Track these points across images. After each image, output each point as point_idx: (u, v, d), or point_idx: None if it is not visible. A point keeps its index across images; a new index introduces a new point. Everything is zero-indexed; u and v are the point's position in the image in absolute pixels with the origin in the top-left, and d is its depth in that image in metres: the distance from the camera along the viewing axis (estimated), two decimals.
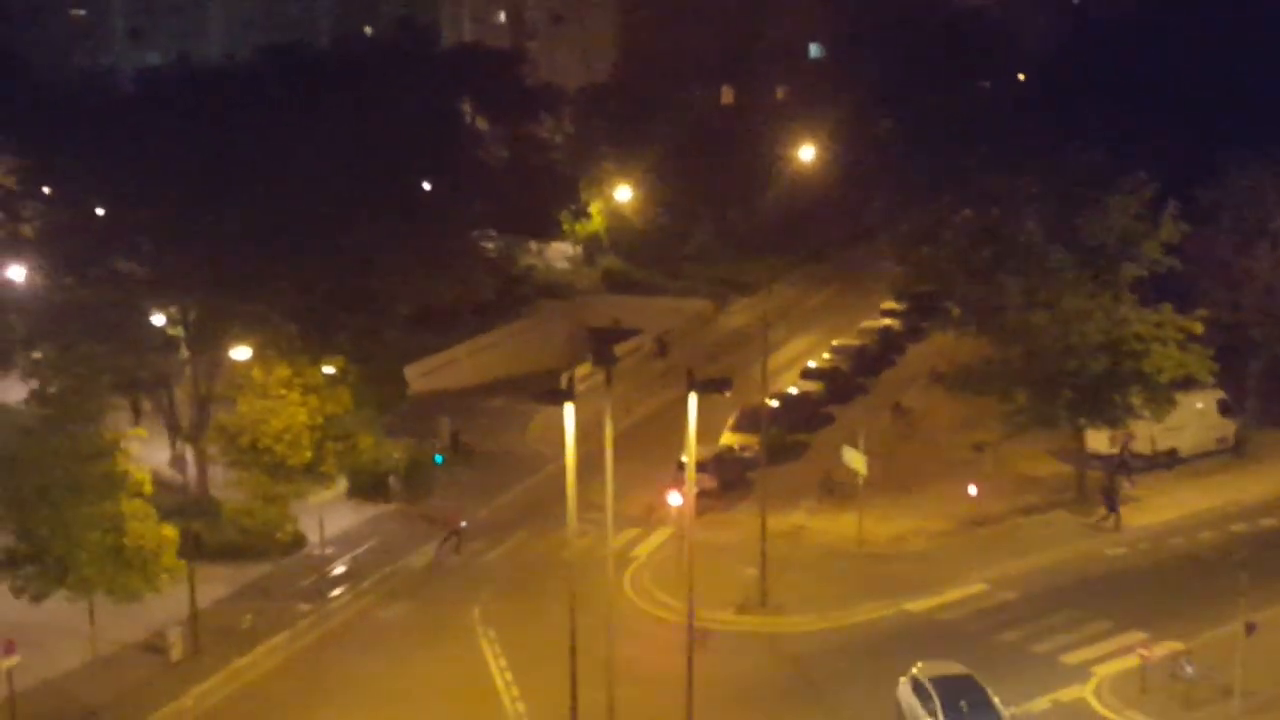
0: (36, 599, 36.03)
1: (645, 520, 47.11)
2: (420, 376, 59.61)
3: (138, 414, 52.97)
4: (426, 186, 71.88)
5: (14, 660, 32.79)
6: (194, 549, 38.51)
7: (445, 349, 65.41)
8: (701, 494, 44.06)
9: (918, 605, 40.99)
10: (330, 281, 50.88)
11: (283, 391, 45.58)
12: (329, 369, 47.52)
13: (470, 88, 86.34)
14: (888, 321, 73.38)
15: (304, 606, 41.28)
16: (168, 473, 46.09)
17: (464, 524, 46.33)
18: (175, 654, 37.47)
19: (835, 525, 46.88)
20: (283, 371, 45.93)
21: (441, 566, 45.04)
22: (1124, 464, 49.90)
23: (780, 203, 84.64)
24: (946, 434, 55.87)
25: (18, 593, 36.00)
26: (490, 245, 76.46)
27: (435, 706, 34.82)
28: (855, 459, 45.58)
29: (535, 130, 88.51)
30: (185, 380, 49.60)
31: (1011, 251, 50.09)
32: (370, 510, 49.22)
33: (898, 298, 74.00)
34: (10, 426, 41.07)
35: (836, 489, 48.66)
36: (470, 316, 69.14)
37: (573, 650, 26.98)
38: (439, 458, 51.84)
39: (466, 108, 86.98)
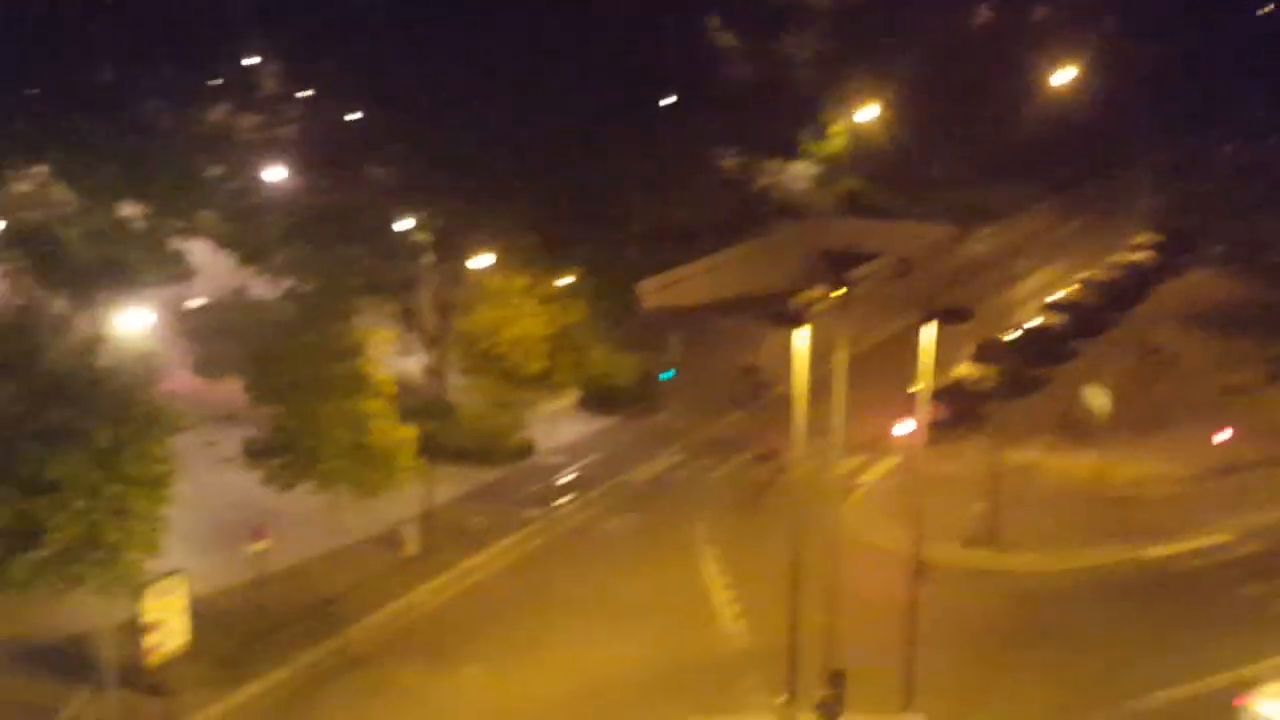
0: (284, 488, 37.73)
1: (872, 448, 46.48)
2: (653, 292, 60.04)
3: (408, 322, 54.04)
4: (668, 102, 71.90)
5: (264, 545, 34.58)
6: (430, 450, 39.71)
7: (679, 266, 65.60)
8: (932, 425, 43.20)
9: (1155, 552, 39.39)
10: (572, 196, 51.53)
11: (520, 301, 46.47)
12: (566, 281, 48.22)
13: (718, 2, 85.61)
14: (1140, 256, 70.28)
15: (532, 512, 42.28)
16: (409, 376, 47.62)
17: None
18: (409, 549, 38.89)
19: (1072, 464, 45.33)
20: (521, 281, 46.79)
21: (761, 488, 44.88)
22: None
23: (1031, 128, 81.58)
24: (1198, 376, 53.29)
25: (268, 482, 37.76)
26: (729, 164, 76.07)
27: (655, 618, 35.25)
28: (1097, 397, 43.92)
29: (780, 48, 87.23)
30: (429, 286, 51.00)
31: (1273, 189, 47.39)
32: (599, 422, 49.93)
33: (1153, 231, 70.86)
34: (266, 323, 43.07)
35: (1076, 426, 47.00)
36: (706, 235, 69.10)
37: (793, 573, 26.88)
38: (668, 373, 52.12)
39: (714, 22, 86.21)
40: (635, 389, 51.10)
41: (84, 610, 30.18)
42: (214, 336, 51.17)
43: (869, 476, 45.20)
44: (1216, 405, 49.15)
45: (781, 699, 27.21)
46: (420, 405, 43.10)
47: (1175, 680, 31.30)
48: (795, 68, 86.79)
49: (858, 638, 28.71)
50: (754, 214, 74.95)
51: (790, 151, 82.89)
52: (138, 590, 30.06)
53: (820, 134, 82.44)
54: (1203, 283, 58.55)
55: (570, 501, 43.59)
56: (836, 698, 26.36)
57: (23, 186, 58.19)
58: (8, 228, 56.25)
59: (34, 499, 28.11)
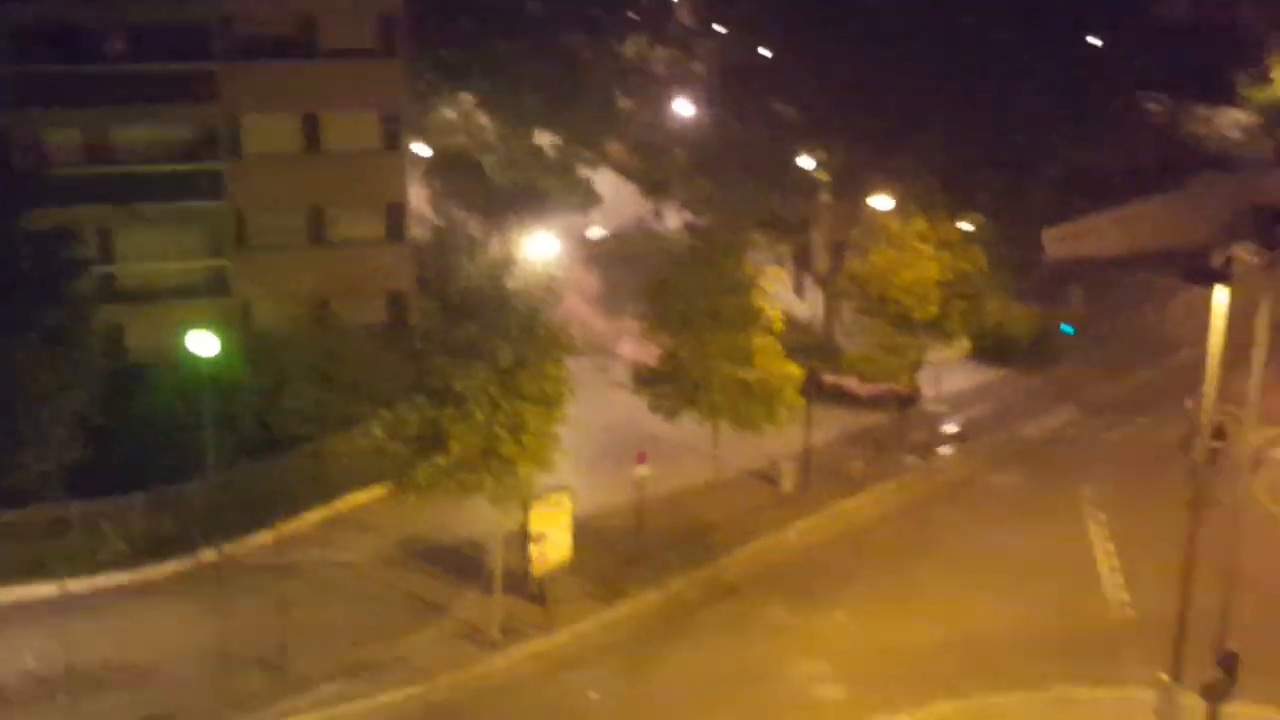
0: (669, 416, 38.68)
1: None
2: (1058, 242, 57.71)
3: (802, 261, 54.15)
4: (1091, 42, 68.36)
5: (647, 470, 35.62)
6: (814, 389, 39.68)
7: (1087, 215, 62.60)
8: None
9: None
10: (980, 137, 49.99)
11: (917, 244, 45.49)
12: (966, 226, 46.90)
13: None
14: None
15: (913, 459, 41.68)
16: (799, 315, 47.77)
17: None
18: (786, 486, 39.17)
19: None
20: (919, 224, 45.78)
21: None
22: None
23: None
24: None
25: (654, 410, 38.82)
26: (1155, 108, 71.73)
27: (1034, 579, 34.10)
28: None
29: None
30: (824, 225, 50.86)
31: None
32: (990, 373, 48.56)
33: None
34: (665, 254, 44.10)
35: None
36: (1123, 183, 65.55)
37: (1189, 546, 25.33)
38: (1068, 328, 50.04)
39: None
40: (1031, 342, 49.34)
41: (478, 517, 32.01)
42: (614, 265, 52.93)
43: None
44: None
45: (1165, 677, 25.78)
46: (808, 344, 43.12)
47: None
48: (1236, 5, 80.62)
49: (1256, 620, 26.82)
50: (1179, 163, 70.41)
51: (1225, 97, 77.30)
52: (527, 502, 31.60)
53: (1261, 79, 76.38)
54: None
55: (953, 452, 42.69)
56: (1226, 681, 24.72)
57: (449, 113, 61.63)
58: (435, 153, 59.78)
59: (441, 409, 29.89)
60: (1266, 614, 28.18)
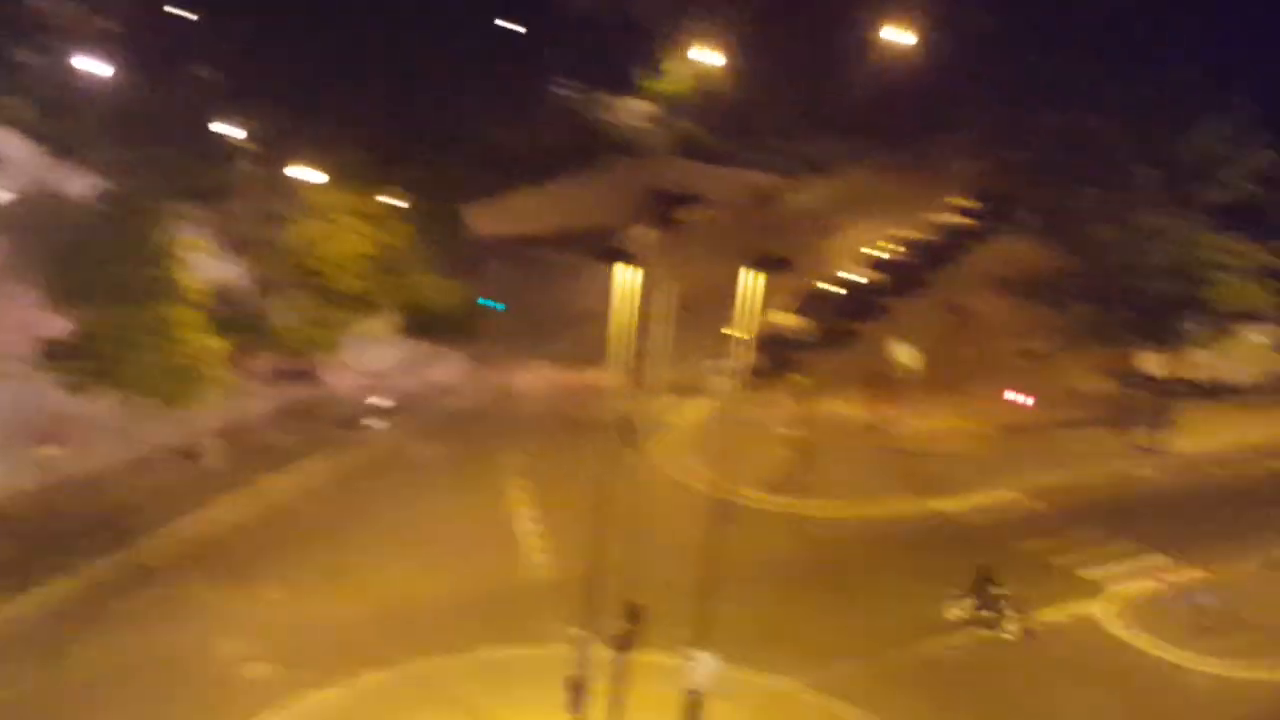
0: (79, 393, 36.53)
1: (687, 390, 47.13)
2: (481, 219, 59.48)
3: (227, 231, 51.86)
4: (508, 28, 71.01)
5: (54, 449, 33.50)
6: (240, 363, 38.87)
7: (509, 194, 65.14)
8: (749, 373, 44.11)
9: (946, 505, 41.01)
10: (405, 114, 50.64)
11: (343, 217, 45.60)
12: (391, 200, 47.47)
13: None
14: (956, 218, 72.33)
15: (340, 434, 41.81)
16: (225, 287, 46.45)
17: None
18: (210, 462, 38.16)
19: (877, 417, 46.73)
20: (345, 197, 45.91)
21: None
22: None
23: (863, 84, 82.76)
24: (999, 339, 55.29)
25: (66, 387, 36.57)
26: (566, 94, 75.61)
27: (458, 547, 35.30)
28: (905, 353, 45.32)
29: None
30: (249, 196, 49.66)
31: (1093, 161, 49.09)
32: (419, 347, 49.49)
33: (969, 195, 72.91)
34: (72, 220, 41.40)
35: (882, 380, 48.40)
36: (538, 165, 68.68)
37: (598, 508, 27.15)
38: (492, 303, 51.84)
39: None
40: (458, 317, 50.67)
41: None
42: (17, 232, 49.00)
43: (682, 418, 45.83)
44: (1014, 368, 51.17)
45: (576, 631, 27.55)
46: (233, 316, 42.11)
47: (954, 627, 32.70)
48: (637, 4, 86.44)
49: (658, 574, 29.18)
50: (588, 148, 74.71)
51: (628, 88, 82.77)
52: None
53: (658, 73, 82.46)
54: (1012, 248, 60.36)
55: (382, 426, 43.23)
56: (631, 632, 26.78)
57: None
58: None
59: None
60: (666, 567, 30.62)
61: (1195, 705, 30.71)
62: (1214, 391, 51.67)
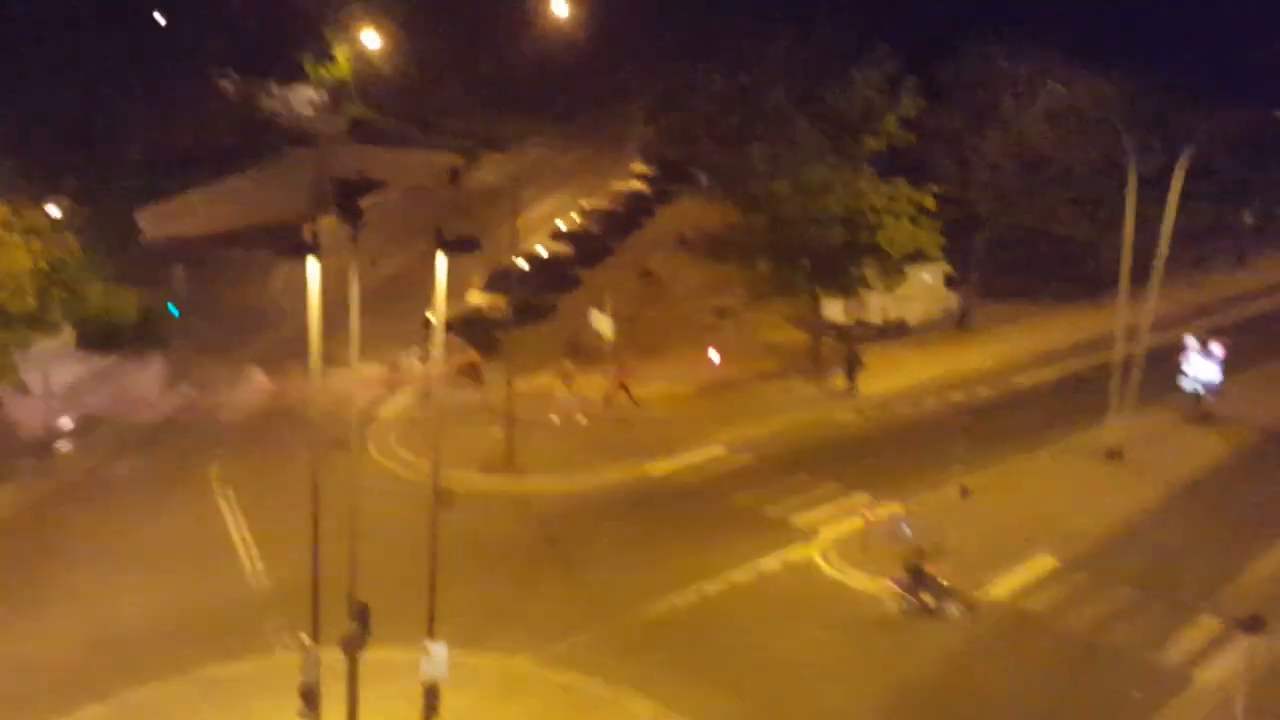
0: None
1: (390, 379, 46.73)
2: (154, 222, 57.19)
3: None
4: (159, 20, 68.09)
5: None
6: None
7: (182, 194, 62.78)
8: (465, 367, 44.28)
9: (658, 468, 42.01)
10: (52, 118, 48.00)
11: (2, 234, 42.95)
12: (54, 210, 45.03)
13: None
14: (637, 185, 73.99)
15: (28, 460, 39.57)
16: None
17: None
18: None
19: (580, 388, 47.39)
20: (2, 211, 43.25)
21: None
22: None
23: (533, 60, 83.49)
24: (691, 299, 56.97)
25: None
26: (228, 85, 73.24)
27: (170, 566, 33.91)
28: (602, 322, 46.10)
29: None
30: None
31: (758, 119, 51.02)
32: (100, 361, 47.22)
33: (647, 162, 74.66)
34: None
35: (583, 351, 49.14)
36: (210, 161, 66.38)
37: (313, 509, 26.65)
38: (173, 308, 49.96)
39: None
40: (138, 325, 48.58)
41: None
42: None
43: (389, 409, 45.38)
44: (708, 327, 52.84)
45: (304, 637, 27.02)
46: None
47: (678, 585, 33.64)
48: None
49: (382, 570, 28.82)
50: (261, 140, 72.68)
51: (294, 74, 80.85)
52: None
53: (324, 57, 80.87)
54: (693, 210, 62.27)
55: (72, 446, 41.12)
56: (360, 631, 26.46)
57: None
58: None
59: None
60: (389, 562, 30.37)
61: (903, 632, 32.57)
62: (892, 332, 54.71)
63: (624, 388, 46.40)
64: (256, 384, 47.33)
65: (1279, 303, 71.41)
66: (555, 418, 44.83)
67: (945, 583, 32.92)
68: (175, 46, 64.70)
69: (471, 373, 45.84)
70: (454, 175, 70.51)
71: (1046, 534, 36.68)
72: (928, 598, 32.82)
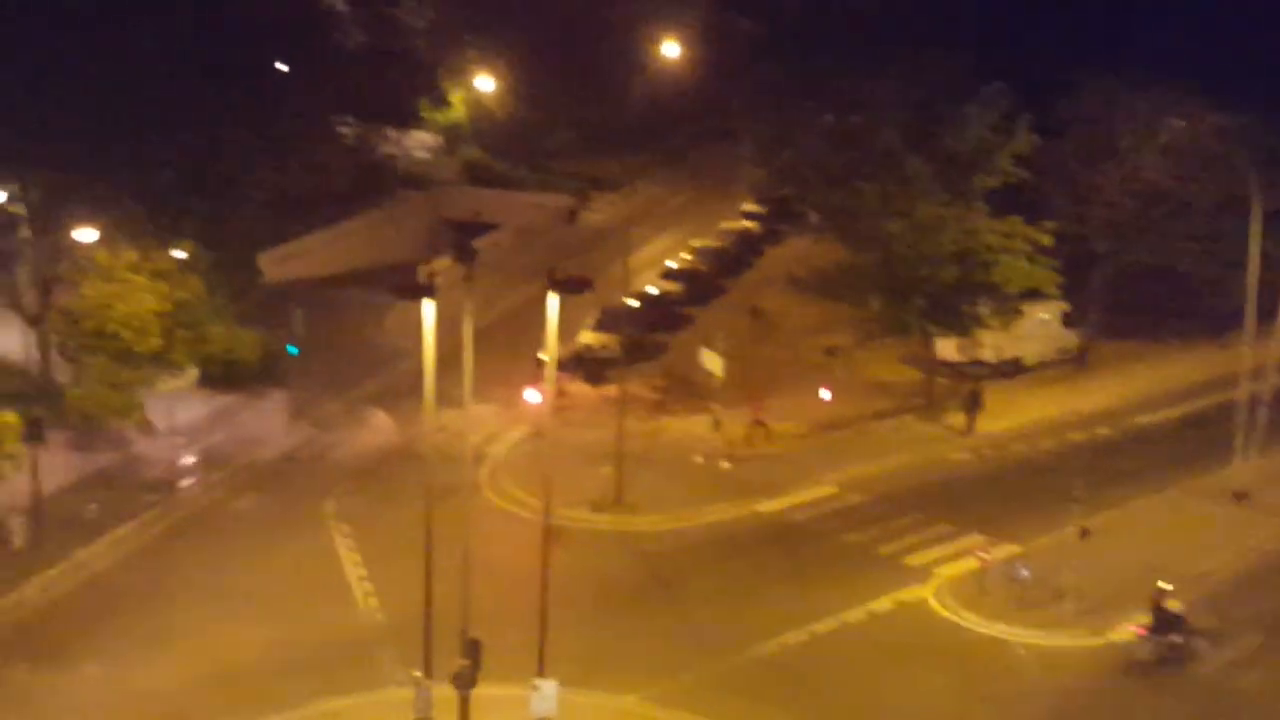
0: None
1: (502, 417, 47.09)
2: (274, 265, 58.36)
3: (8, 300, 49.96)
4: (280, 68, 69.66)
5: None
6: (37, 435, 37.34)
7: (300, 237, 64.06)
8: (563, 394, 44.47)
9: (769, 506, 41.77)
10: (176, 164, 49.27)
11: (130, 275, 44.26)
12: (179, 254, 46.29)
13: None
14: (747, 224, 73.93)
15: (152, 496, 40.51)
16: (13, 357, 44.71)
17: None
18: (17, 542, 36.60)
19: (691, 426, 47.36)
20: (130, 255, 44.58)
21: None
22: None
23: (643, 101, 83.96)
24: (801, 338, 56.66)
25: None
26: (347, 131, 74.64)
27: (286, 601, 34.44)
28: (712, 360, 46.02)
29: (396, 13, 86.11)
30: (27, 261, 47.78)
31: (869, 158, 50.75)
32: (221, 400, 48.28)
33: (757, 200, 74.63)
34: None
35: (694, 389, 49.00)
36: (327, 205, 67.56)
37: (427, 545, 26.94)
38: (292, 349, 50.84)
39: None
40: (258, 365, 49.59)
41: None
42: None
43: (500, 446, 45.72)
44: (818, 366, 52.50)
45: (417, 673, 27.27)
46: (23, 387, 40.43)
47: (788, 626, 33.34)
48: (411, 35, 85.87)
49: (493, 607, 29.09)
50: (376, 184, 73.85)
51: (410, 120, 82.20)
52: None
53: (439, 102, 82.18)
54: (803, 249, 62.00)
55: (194, 483, 42.03)
56: (471, 668, 26.65)
57: None
58: None
59: None
60: (503, 599, 30.59)
61: (1020, 676, 31.94)
62: (1008, 371, 53.85)
63: (761, 423, 46.33)
64: (374, 422, 48.02)
65: None
66: (700, 458, 44.84)
67: (1187, 618, 31.74)
68: (294, 94, 66.11)
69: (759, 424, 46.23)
70: (571, 216, 71.30)
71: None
72: (1176, 637, 31.76)
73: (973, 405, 48.29)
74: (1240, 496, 41.92)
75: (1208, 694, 30.81)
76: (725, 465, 44.26)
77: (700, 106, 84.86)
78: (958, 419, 48.45)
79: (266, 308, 52.31)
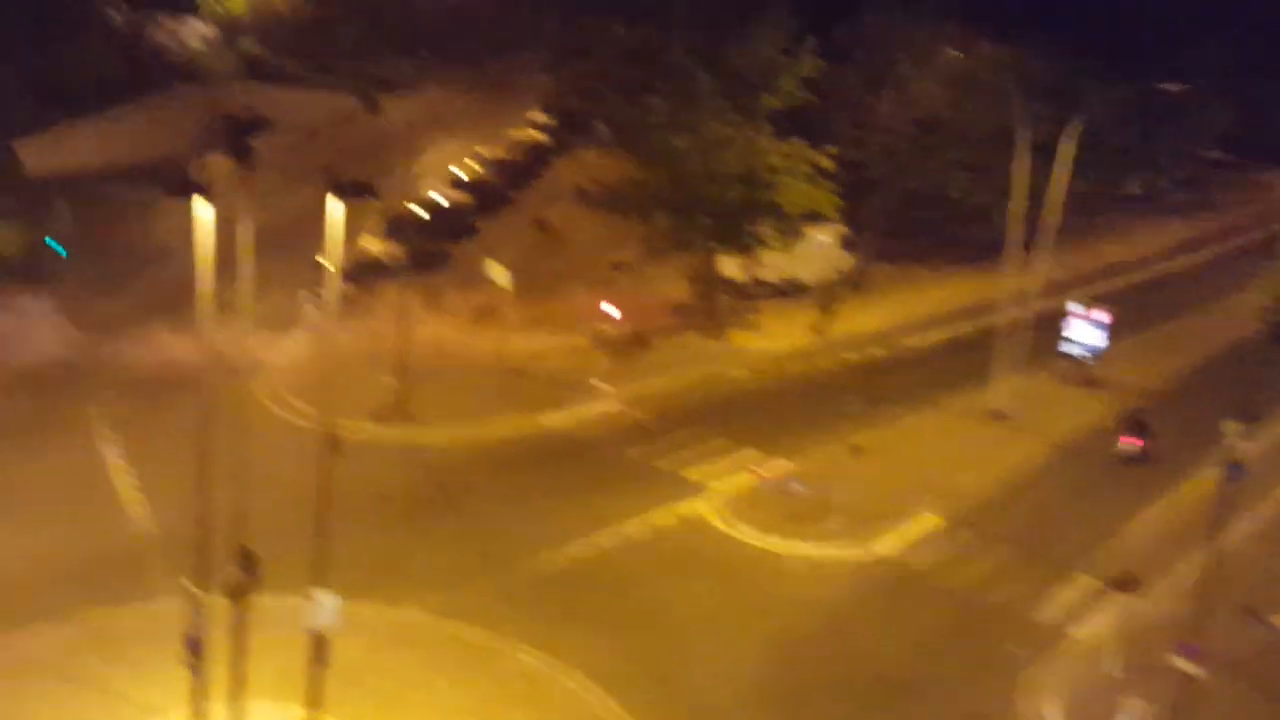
0: None
1: (282, 324, 45.92)
2: (37, 154, 55.35)
3: None
4: None
5: None
6: None
7: (65, 126, 60.85)
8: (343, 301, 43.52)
9: (553, 420, 41.98)
10: None
11: None
12: None
13: None
14: (536, 134, 73.36)
15: None
16: None
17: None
18: None
19: (476, 338, 47.08)
20: None
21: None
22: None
23: (433, 3, 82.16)
24: (588, 252, 56.75)
25: None
26: (114, 13, 70.91)
27: (51, 511, 32.95)
28: (498, 272, 45.75)
29: None
30: None
31: (658, 72, 50.81)
32: None
33: (547, 111, 74.03)
34: None
35: (478, 300, 48.68)
36: (95, 94, 64.32)
37: (201, 452, 26.16)
38: (59, 246, 48.47)
39: None
40: (20, 261, 47.09)
41: None
42: None
43: (280, 353, 44.64)
44: (604, 280, 52.73)
45: (188, 584, 26.59)
46: None
47: (570, 538, 33.73)
48: None
49: (271, 517, 28.44)
50: (149, 75, 70.55)
51: (185, 6, 78.56)
52: None
53: None
54: (591, 162, 61.87)
55: None
56: (246, 578, 26.11)
57: None
58: None
59: None
60: (281, 510, 29.98)
61: (790, 586, 33.03)
62: (787, 291, 55.09)
63: (640, 335, 46.45)
64: (145, 326, 46.23)
65: (1162, 272, 73.34)
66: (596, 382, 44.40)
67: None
68: None
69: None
70: (340, 122, 69.13)
71: (932, 492, 37.38)
72: (1150, 443, 38.91)
73: (745, 323, 49.28)
74: (999, 416, 44.09)
75: (962, 606, 32.43)
76: (602, 385, 43.92)
77: (496, 11, 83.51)
78: (741, 336, 49.43)
79: (27, 199, 49.61)
